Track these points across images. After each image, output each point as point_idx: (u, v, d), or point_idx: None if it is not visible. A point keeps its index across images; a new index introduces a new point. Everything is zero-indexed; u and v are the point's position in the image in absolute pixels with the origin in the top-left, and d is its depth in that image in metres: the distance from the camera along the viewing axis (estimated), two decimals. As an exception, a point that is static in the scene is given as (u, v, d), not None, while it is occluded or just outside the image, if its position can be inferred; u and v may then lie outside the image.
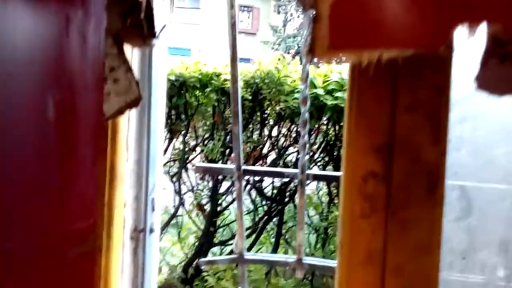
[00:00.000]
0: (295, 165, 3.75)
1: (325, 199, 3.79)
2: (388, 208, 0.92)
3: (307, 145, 1.47)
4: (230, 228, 3.91)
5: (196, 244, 3.73)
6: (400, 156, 0.92)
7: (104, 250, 1.04)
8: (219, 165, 1.55)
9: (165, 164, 3.93)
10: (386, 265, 0.93)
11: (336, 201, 3.71)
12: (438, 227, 0.91)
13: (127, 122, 1.14)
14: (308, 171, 1.46)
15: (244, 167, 1.47)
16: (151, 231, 1.30)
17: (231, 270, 3.48)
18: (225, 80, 3.32)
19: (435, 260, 0.91)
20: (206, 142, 3.71)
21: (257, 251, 3.93)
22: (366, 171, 0.93)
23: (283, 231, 3.84)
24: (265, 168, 1.72)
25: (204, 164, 1.61)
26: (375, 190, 0.93)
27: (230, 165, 1.50)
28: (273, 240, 3.90)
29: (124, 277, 1.24)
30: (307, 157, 1.43)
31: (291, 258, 1.65)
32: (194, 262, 3.58)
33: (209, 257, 3.84)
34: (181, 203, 3.70)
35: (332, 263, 1.68)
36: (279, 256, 1.63)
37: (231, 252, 3.72)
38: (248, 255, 1.64)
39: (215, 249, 3.87)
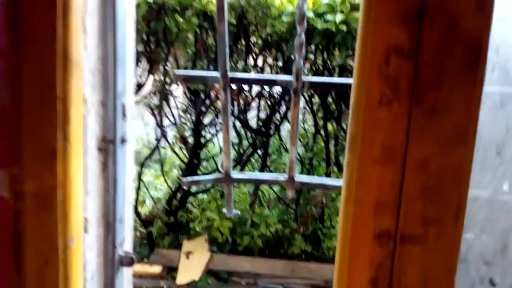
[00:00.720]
0: (281, 97, 3.52)
1: (311, 130, 3.61)
2: (414, 92, 0.71)
3: (303, 46, 1.23)
4: (214, 161, 3.73)
5: (180, 177, 3.55)
6: (433, 24, 0.69)
7: (60, 153, 0.82)
8: (202, 72, 1.30)
9: (145, 97, 3.65)
10: (407, 161, 0.73)
11: (322, 132, 3.53)
12: (476, 112, 0.70)
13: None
14: (304, 78, 1.23)
15: (230, 74, 1.22)
16: (123, 141, 1.08)
17: (216, 202, 3.34)
18: (208, 1, 2.98)
19: (468, 153, 0.72)
20: (187, 72, 3.42)
21: (239, 185, 3.78)
22: (389, 46, 0.70)
23: (268, 163, 3.68)
24: (254, 75, 1.48)
25: (185, 72, 1.36)
26: (399, 70, 0.71)
27: (214, 72, 1.24)
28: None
29: (92, 193, 1.03)
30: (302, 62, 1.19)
31: (282, 176, 1.45)
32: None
33: (194, 190, 3.68)
34: (163, 136, 3.47)
35: (326, 180, 1.48)
36: (269, 175, 1.41)
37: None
38: (235, 174, 1.43)
39: (199, 182, 3.70)
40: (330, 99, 3.53)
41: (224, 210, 1.63)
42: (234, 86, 2.98)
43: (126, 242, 1.18)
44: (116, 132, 1.07)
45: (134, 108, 1.20)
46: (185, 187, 1.55)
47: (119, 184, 1.10)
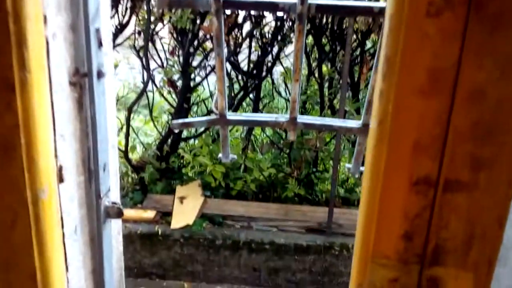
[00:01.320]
0: (273, 37, 3.28)
1: (304, 72, 3.41)
2: (472, -3, 0.53)
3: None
4: (205, 105, 3.53)
5: (170, 122, 3.36)
6: None
7: (19, 85, 0.64)
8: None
9: (129, 37, 3.37)
10: (457, 90, 0.56)
11: (316, 74, 3.33)
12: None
13: None
14: (310, 0, 1.02)
15: None
16: (100, 74, 0.89)
17: (208, 147, 3.19)
18: None
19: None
20: (174, 9, 3.12)
21: (232, 129, 3.62)
22: None
23: (260, 107, 3.50)
24: None
25: (170, -6, 1.14)
26: (454, -33, 0.52)
27: None
28: (249, 116, 3.57)
29: (68, 136, 0.86)
30: None
31: (282, 117, 1.28)
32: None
33: (184, 135, 3.51)
34: (151, 79, 3.24)
35: (332, 121, 1.32)
36: (268, 116, 1.22)
37: (206, 129, 3.39)
38: (231, 115, 1.25)
39: (190, 127, 3.53)
40: (324, 40, 3.30)
41: (220, 155, 1.46)
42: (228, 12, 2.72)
43: (112, 192, 1.02)
44: (91, 64, 0.87)
45: (111, 36, 0.99)
46: (175, 130, 1.39)
47: (99, 125, 0.92)
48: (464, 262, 0.62)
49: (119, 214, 0.96)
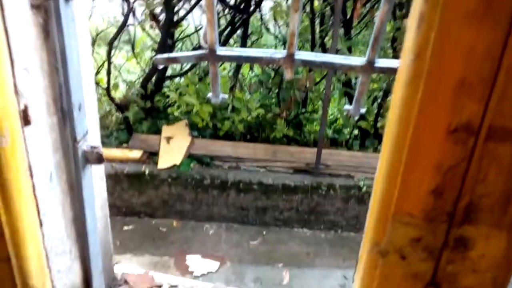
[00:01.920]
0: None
1: (296, 6, 3.17)
2: None
3: None
4: (190, 41, 3.31)
5: (153, 58, 3.14)
6: None
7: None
8: None
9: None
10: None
11: (307, 9, 3.11)
12: None
13: None
14: None
15: None
16: (68, -5, 0.73)
17: (194, 86, 3.02)
18: None
19: None
20: None
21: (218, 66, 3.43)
22: None
23: (248, 44, 3.29)
24: None
25: None
26: None
27: None
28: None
29: (34, 70, 0.71)
30: None
31: (279, 53, 1.13)
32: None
33: (169, 73, 3.31)
34: (131, 12, 2.97)
35: (332, 57, 1.18)
36: (262, 51, 1.06)
37: (192, 67, 3.20)
38: (222, 50, 1.10)
39: (174, 64, 3.32)
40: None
41: (209, 95, 1.32)
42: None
43: (91, 135, 0.90)
44: (56, -19, 0.71)
45: None
46: (159, 66, 1.24)
47: (70, 57, 0.78)
48: (499, 220, 0.53)
49: (99, 159, 0.84)
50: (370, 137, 3.12)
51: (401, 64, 0.51)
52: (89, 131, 0.87)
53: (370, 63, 1.10)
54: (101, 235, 0.97)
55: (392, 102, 0.53)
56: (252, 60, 1.23)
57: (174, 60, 1.25)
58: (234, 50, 1.21)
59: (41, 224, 0.64)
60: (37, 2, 0.71)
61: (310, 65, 1.31)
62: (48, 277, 0.62)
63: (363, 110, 1.26)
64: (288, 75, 1.21)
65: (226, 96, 1.32)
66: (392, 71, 1.19)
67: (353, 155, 3.02)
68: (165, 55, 1.16)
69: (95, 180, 0.92)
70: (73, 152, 0.82)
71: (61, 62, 0.77)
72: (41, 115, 0.76)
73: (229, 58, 1.23)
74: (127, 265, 1.30)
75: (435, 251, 0.55)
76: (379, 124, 3.16)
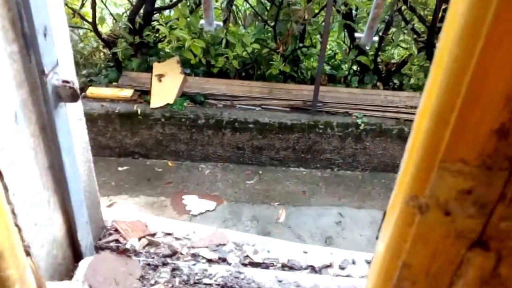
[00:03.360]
0: None
1: None
2: None
3: None
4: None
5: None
6: None
7: None
8: None
9: None
10: None
11: None
12: None
13: None
14: None
15: None
16: None
17: (185, 19, 2.77)
18: None
19: None
20: None
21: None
22: None
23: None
24: None
25: None
26: None
27: None
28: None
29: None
30: None
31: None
32: (141, 10, 2.81)
33: (158, 4, 3.04)
34: None
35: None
36: None
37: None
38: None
39: (164, -5, 3.04)
40: None
41: (202, 22, 1.15)
42: None
43: (63, 67, 0.75)
44: None
45: None
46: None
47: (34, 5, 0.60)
48: None
49: (73, 96, 0.70)
50: (369, 73, 2.95)
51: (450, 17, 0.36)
52: (60, 62, 0.72)
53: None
54: (85, 183, 0.86)
55: (450, 13, 0.39)
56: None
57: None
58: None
59: (1, 176, 0.52)
60: None
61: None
62: (15, 235, 0.51)
63: (375, 39, 1.09)
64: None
65: (221, 23, 1.14)
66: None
67: (351, 92, 2.87)
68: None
69: (73, 121, 0.79)
70: (42, 87, 0.68)
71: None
72: (-4, 41, 0.60)
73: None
74: (119, 211, 1.20)
75: (488, 205, 0.44)
76: (379, 59, 2.98)
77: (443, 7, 2.62)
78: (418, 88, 2.87)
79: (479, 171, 0.42)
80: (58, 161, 0.74)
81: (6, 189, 0.53)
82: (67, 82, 0.70)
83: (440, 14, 2.56)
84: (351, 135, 2.72)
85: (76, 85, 0.70)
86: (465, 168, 0.42)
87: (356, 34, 1.08)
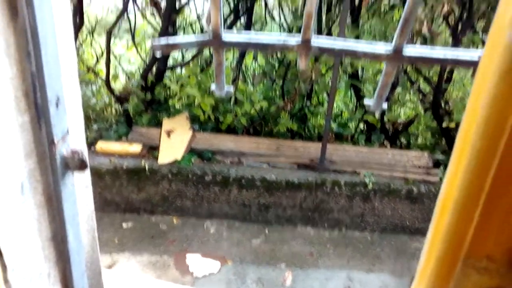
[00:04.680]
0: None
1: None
2: None
3: None
4: (192, 29, 3.13)
5: (152, 44, 2.97)
6: None
7: None
8: None
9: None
10: None
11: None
12: None
13: None
14: None
15: None
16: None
17: (196, 77, 2.85)
18: None
19: None
20: None
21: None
22: None
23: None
24: None
25: None
26: None
27: None
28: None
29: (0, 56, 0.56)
30: None
31: (293, 38, 0.98)
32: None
33: (170, 63, 3.15)
34: (132, -1, 2.80)
35: (354, 43, 1.03)
36: (274, 36, 0.87)
37: (194, 57, 3.03)
38: (228, 35, 0.95)
39: (176, 54, 3.15)
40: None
41: (213, 86, 1.16)
42: None
43: (73, 135, 0.74)
44: None
45: None
46: (157, 53, 1.09)
47: (44, 40, 0.62)
48: None
49: (81, 165, 0.69)
50: (376, 132, 2.96)
51: (491, 45, 0.36)
52: (70, 131, 0.71)
53: (398, 51, 0.94)
54: (87, 254, 0.82)
55: (472, 101, 0.38)
56: (262, 47, 1.06)
57: (174, 46, 1.08)
58: (241, 34, 1.05)
59: (0, 256, 0.49)
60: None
61: (328, 53, 1.14)
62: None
63: (385, 105, 1.09)
64: (302, 64, 1.04)
65: (231, 88, 1.15)
66: (423, 60, 1.03)
67: (359, 151, 2.87)
68: (163, 40, 1.00)
69: (79, 189, 0.77)
70: (50, 157, 0.67)
71: (33, 45, 0.62)
72: (9, 113, 0.60)
73: (236, 45, 1.06)
74: (120, 276, 1.15)
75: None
76: (386, 118, 3.00)
77: (448, 68, 2.67)
78: (426, 147, 2.86)
79: (506, 269, 0.39)
80: (62, 231, 0.71)
81: (4, 267, 0.50)
82: (76, 151, 0.69)
83: (445, 75, 2.60)
84: (359, 194, 2.68)
85: (85, 155, 0.70)
86: (491, 265, 0.39)
87: (366, 101, 1.08)
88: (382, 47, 0.97)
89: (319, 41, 0.98)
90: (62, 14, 0.69)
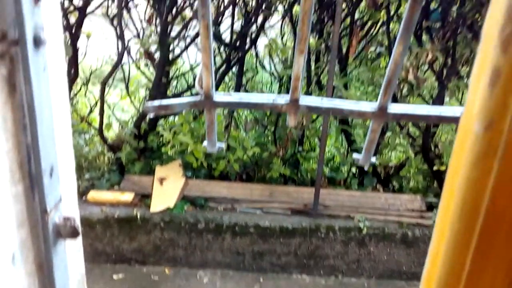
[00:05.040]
0: (257, 4, 2.95)
1: (291, 43, 3.11)
2: None
3: None
4: (185, 79, 3.21)
5: (148, 97, 3.04)
6: None
7: None
8: None
9: (101, 4, 2.98)
10: None
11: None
12: None
13: None
14: None
15: None
16: (38, 42, 0.60)
17: (189, 124, 2.89)
18: None
19: None
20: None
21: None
22: None
23: (244, 81, 3.21)
24: None
25: None
26: None
27: None
28: (232, 92, 3.28)
29: (-4, 132, 0.58)
30: None
31: (281, 98, 1.02)
32: (147, 117, 2.94)
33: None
34: (126, 50, 2.88)
35: (340, 102, 1.07)
36: (264, 97, 0.91)
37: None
38: (219, 96, 0.98)
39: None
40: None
41: (205, 143, 1.19)
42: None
43: (66, 202, 0.75)
44: (24, 27, 0.58)
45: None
46: (151, 115, 1.12)
47: (40, 113, 0.64)
48: None
49: (74, 233, 0.69)
50: (368, 175, 2.99)
51: (462, 132, 0.38)
52: (63, 199, 0.72)
53: (383, 109, 0.98)
54: (76, 319, 0.81)
55: (448, 183, 0.40)
56: (252, 106, 1.09)
57: (167, 107, 1.12)
58: (231, 95, 1.09)
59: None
60: (1, 50, 0.59)
61: (316, 112, 1.19)
62: None
63: (373, 160, 1.12)
64: (291, 122, 1.08)
65: (223, 145, 1.18)
66: (407, 117, 1.07)
67: (352, 195, 2.87)
68: (156, 103, 1.03)
69: (71, 255, 0.77)
70: (42, 225, 0.67)
71: (29, 119, 0.64)
72: (3, 184, 0.61)
73: (227, 105, 1.09)
74: None
75: None
76: (377, 162, 3.04)
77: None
78: (418, 190, 2.88)
79: None
80: (51, 300, 0.70)
81: None
82: (68, 218, 0.70)
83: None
84: (354, 239, 2.66)
85: (78, 222, 0.70)
86: None
87: (355, 155, 1.12)
88: (368, 106, 1.01)
89: (307, 100, 1.02)
90: (57, 82, 0.71)
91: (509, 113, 0.33)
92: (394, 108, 0.99)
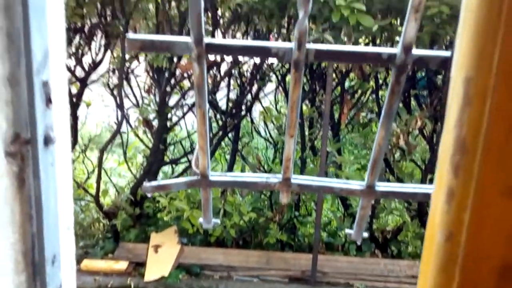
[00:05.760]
0: (252, 75, 3.11)
1: (285, 111, 3.24)
2: None
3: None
4: (182, 145, 3.30)
5: (145, 163, 3.10)
6: None
7: None
8: (167, 37, 0.89)
9: (103, 75, 3.14)
10: None
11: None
12: None
13: None
14: (308, 46, 0.83)
15: (207, 40, 0.80)
16: (48, 141, 0.67)
17: (185, 191, 2.93)
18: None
19: None
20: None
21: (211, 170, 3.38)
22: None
23: (239, 147, 3.30)
24: (240, 42, 1.06)
25: (142, 36, 0.93)
26: None
27: (184, 37, 0.78)
28: (228, 157, 3.37)
29: (4, 223, 0.62)
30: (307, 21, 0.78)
31: (274, 177, 1.07)
32: (144, 183, 2.98)
33: (160, 177, 3.25)
34: (125, 118, 3.00)
35: (330, 181, 1.12)
36: (257, 176, 0.98)
37: (184, 171, 3.15)
38: (214, 176, 1.04)
39: (166, 168, 3.27)
40: (303, 79, 3.17)
41: (200, 220, 1.24)
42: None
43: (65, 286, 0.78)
44: (36, 128, 0.65)
45: (66, 89, 0.76)
46: (148, 195, 1.16)
47: (47, 205, 0.69)
48: None
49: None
50: (366, 240, 2.98)
51: (428, 240, 0.43)
52: (63, 284, 0.75)
53: (370, 187, 1.04)
54: None
55: (420, 284, 0.44)
56: (246, 186, 1.15)
57: (164, 187, 1.17)
58: (227, 175, 1.14)
59: None
60: (13, 149, 0.65)
61: (307, 190, 1.24)
62: None
63: (365, 234, 1.16)
64: (284, 199, 1.13)
65: (218, 221, 1.22)
66: (394, 195, 1.12)
67: (350, 261, 2.85)
68: (154, 183, 1.08)
69: None
70: (41, 314, 0.69)
71: (35, 210, 0.68)
72: (7, 275, 0.65)
73: (222, 184, 1.15)
74: None
75: None
76: (374, 226, 3.05)
77: (429, 177, 2.81)
78: (417, 255, 2.86)
79: None
80: None
81: None
82: (67, 306, 0.72)
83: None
84: (354, 308, 2.59)
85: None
86: None
87: (347, 231, 1.16)
88: (356, 184, 1.07)
89: (299, 179, 1.08)
90: (63, 176, 0.77)
91: (464, 228, 0.38)
92: (382, 187, 1.05)
